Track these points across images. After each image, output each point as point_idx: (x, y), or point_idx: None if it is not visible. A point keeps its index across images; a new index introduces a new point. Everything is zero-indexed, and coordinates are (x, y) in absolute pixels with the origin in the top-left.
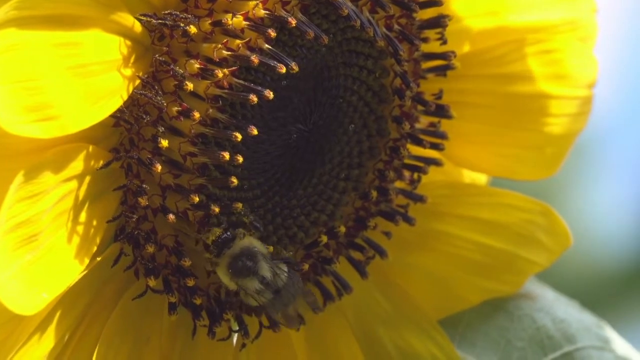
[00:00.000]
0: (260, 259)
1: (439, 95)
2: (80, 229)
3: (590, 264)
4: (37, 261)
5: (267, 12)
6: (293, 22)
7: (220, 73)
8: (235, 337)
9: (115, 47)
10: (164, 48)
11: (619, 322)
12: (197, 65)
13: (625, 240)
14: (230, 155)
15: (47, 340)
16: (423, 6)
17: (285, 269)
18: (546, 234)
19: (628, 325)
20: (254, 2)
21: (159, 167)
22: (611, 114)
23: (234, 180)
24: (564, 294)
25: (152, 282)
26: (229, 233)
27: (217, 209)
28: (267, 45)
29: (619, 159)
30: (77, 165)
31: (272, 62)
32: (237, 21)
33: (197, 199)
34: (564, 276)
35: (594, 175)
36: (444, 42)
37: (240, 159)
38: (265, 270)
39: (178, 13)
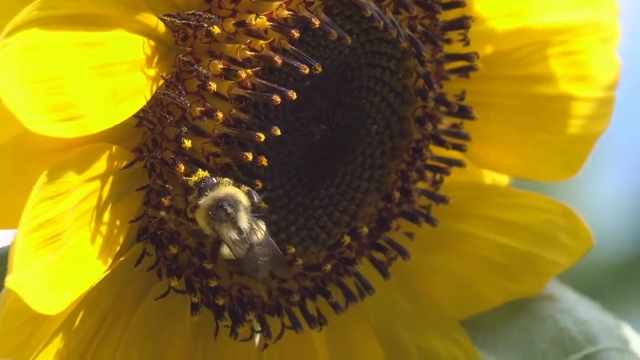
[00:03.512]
0: (241, 209)
1: (461, 97)
2: (103, 229)
3: (589, 257)
4: (59, 261)
5: (290, 12)
6: (316, 22)
7: (243, 73)
8: (257, 337)
9: (138, 47)
10: (188, 48)
11: (618, 312)
12: (220, 66)
13: (624, 233)
14: (253, 155)
15: (70, 340)
16: (446, 7)
17: (264, 227)
18: (567, 234)
19: (628, 315)
20: (278, 3)
21: (182, 167)
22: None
23: (259, 184)
24: (566, 286)
25: (174, 283)
26: (214, 178)
27: None
28: (290, 46)
29: (619, 151)
30: (101, 165)
31: (296, 63)
32: (260, 22)
33: None
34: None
35: (593, 168)
36: (467, 43)
37: (263, 159)
38: (244, 221)
39: (201, 13)
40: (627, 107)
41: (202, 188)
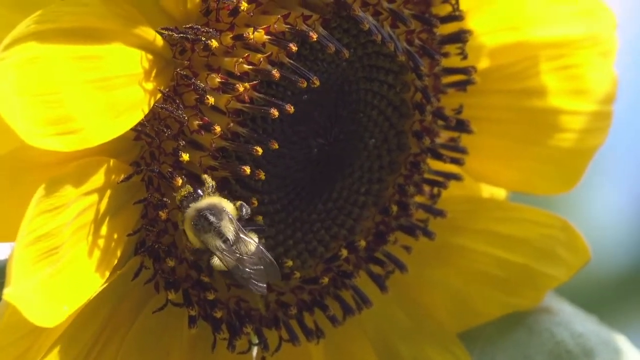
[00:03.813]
0: (225, 218)
1: (459, 110)
2: (100, 242)
3: (588, 270)
4: (57, 274)
5: (288, 26)
6: (314, 36)
7: (241, 87)
8: (255, 349)
9: (136, 60)
10: (185, 62)
11: (618, 325)
12: (218, 79)
13: (623, 246)
14: (250, 169)
15: (67, 353)
16: (444, 21)
17: (255, 239)
18: (565, 248)
19: (627, 329)
20: (276, 17)
21: (179, 181)
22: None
23: (255, 202)
24: (563, 299)
25: (172, 296)
26: (199, 191)
27: None
28: (288, 60)
29: (618, 162)
30: (98, 178)
31: (293, 77)
32: (258, 35)
33: None
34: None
35: (593, 179)
36: (465, 57)
37: (261, 173)
38: (229, 231)
39: (199, 27)
40: (627, 119)
41: (186, 202)
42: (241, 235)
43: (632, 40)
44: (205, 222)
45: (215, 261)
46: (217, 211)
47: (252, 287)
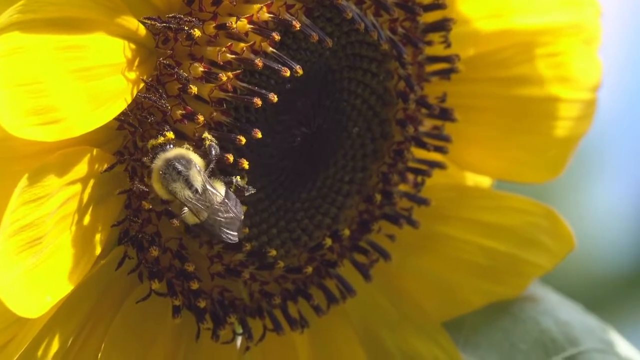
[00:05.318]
0: (193, 168)
1: (442, 99)
2: (84, 232)
3: (589, 266)
4: (40, 264)
5: (271, 15)
6: (297, 25)
7: (224, 76)
8: (239, 339)
9: (119, 50)
10: (168, 51)
11: (619, 324)
12: (201, 69)
13: (625, 242)
14: (234, 158)
15: (51, 344)
16: (427, 9)
17: (223, 190)
18: (550, 236)
19: (628, 327)
20: (259, 6)
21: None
22: (610, 115)
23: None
24: (563, 296)
25: (155, 285)
26: (170, 145)
27: None
28: (271, 49)
29: (619, 160)
30: (81, 168)
31: (277, 66)
32: (241, 24)
33: None
34: (563, 278)
35: (593, 177)
36: (448, 45)
37: (244, 162)
38: (197, 181)
39: (182, 16)
40: (626, 114)
41: (156, 152)
42: (208, 187)
43: (632, 33)
44: (174, 171)
45: (188, 215)
46: (186, 161)
47: (224, 235)
